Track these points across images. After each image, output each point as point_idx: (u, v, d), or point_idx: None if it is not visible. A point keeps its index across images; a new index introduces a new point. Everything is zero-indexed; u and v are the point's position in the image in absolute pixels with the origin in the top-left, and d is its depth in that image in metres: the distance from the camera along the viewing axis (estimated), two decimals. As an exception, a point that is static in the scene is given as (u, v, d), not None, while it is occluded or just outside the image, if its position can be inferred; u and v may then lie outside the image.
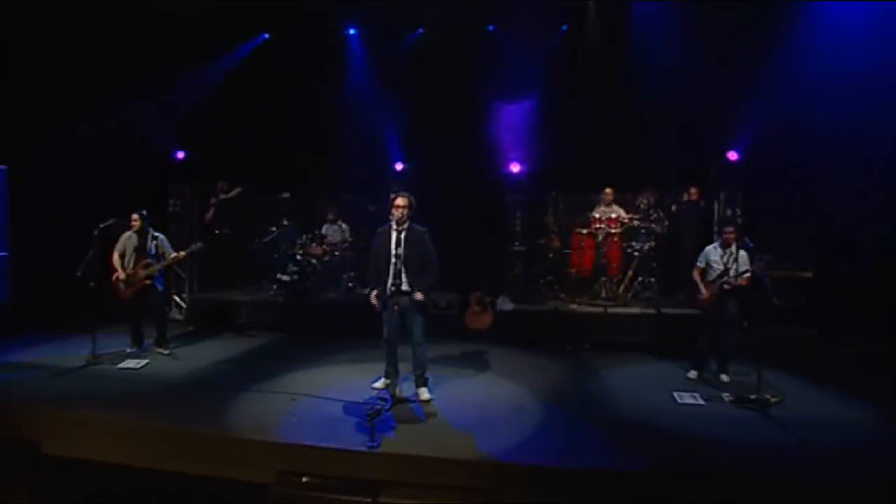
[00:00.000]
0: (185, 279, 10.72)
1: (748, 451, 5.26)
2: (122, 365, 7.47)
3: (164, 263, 7.96)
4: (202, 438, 5.28)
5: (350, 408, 6.03)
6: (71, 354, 7.65)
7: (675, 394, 6.72)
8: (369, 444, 4.97)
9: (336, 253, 10.85)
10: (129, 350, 8.00)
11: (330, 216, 11.14)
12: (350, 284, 10.82)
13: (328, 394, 6.43)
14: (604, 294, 10.04)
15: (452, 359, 7.94)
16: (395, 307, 6.16)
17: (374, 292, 6.43)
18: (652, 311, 9.36)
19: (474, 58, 11.20)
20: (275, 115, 11.10)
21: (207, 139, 10.51)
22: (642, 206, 10.02)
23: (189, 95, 10.30)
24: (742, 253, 7.14)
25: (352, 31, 12.01)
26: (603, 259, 10.06)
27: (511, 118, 11.03)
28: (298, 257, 10.40)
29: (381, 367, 6.71)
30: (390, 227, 6.40)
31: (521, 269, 11.36)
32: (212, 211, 10.86)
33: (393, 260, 6.27)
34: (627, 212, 10.27)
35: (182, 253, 8.06)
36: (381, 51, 11.84)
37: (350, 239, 11.09)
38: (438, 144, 10.92)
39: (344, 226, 11.17)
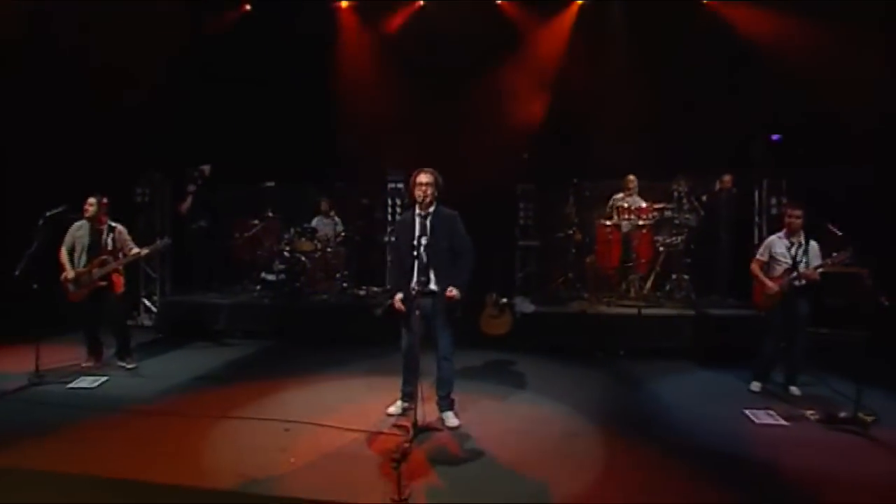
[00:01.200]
0: (156, 280, 9.37)
1: (870, 487, 4.14)
2: (73, 384, 6.12)
3: (121, 262, 6.61)
4: (166, 493, 3.95)
5: (362, 441, 4.80)
6: (8, 373, 6.30)
7: (748, 412, 5.60)
8: (396, 499, 3.72)
9: (329, 248, 9.58)
10: (84, 364, 6.66)
11: (323, 207, 9.86)
12: (344, 284, 9.57)
13: (331, 420, 5.18)
14: (633, 294, 8.92)
15: (472, 372, 6.74)
16: (418, 311, 4.92)
17: (398, 295, 5.21)
18: (690, 312, 8.26)
19: (480, 33, 10.05)
20: (259, 93, 9.76)
21: (182, 119, 9.13)
22: (676, 193, 8.86)
23: (162, 68, 8.92)
24: (813, 243, 6.12)
25: (344, 4, 10.79)
26: (632, 254, 8.92)
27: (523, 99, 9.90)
28: (286, 253, 9.12)
29: (394, 383, 5.49)
30: (413, 212, 5.19)
31: (533, 266, 10.32)
32: (189, 201, 9.44)
33: (416, 252, 5.05)
34: (655, 202, 9.13)
35: (144, 250, 6.71)
36: (376, 25, 10.66)
37: (344, 233, 9.83)
38: (439, 129, 9.74)
39: (337, 219, 9.90)
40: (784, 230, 6.29)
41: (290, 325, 8.48)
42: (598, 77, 9.23)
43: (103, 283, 6.49)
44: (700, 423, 5.32)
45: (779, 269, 6.20)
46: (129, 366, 6.71)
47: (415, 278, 5.06)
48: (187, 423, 5.14)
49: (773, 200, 8.58)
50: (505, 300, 8.38)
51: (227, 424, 5.14)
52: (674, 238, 8.98)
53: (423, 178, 5.12)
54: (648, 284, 8.95)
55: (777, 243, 6.28)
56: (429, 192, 5.08)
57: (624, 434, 5.08)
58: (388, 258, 5.70)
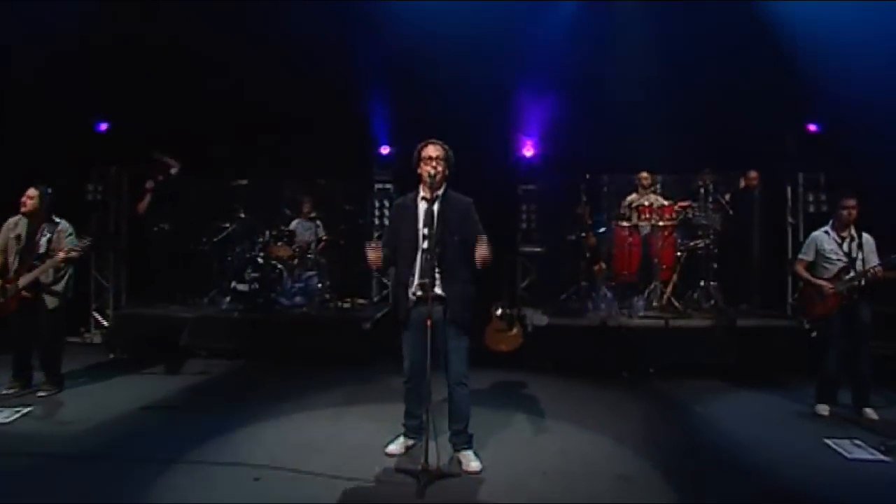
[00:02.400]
0: (109, 290, 8.10)
1: None
2: (-16, 417, 4.87)
3: (46, 266, 5.33)
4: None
5: (356, 495, 3.63)
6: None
7: (830, 442, 4.59)
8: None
9: (309, 255, 8.43)
10: (5, 391, 5.42)
11: (304, 208, 8.72)
12: (326, 295, 8.40)
13: (314, 464, 4.00)
14: (656, 303, 7.89)
15: (482, 396, 5.58)
16: (427, 321, 3.80)
17: (372, 245, 4.19)
18: (723, 323, 7.25)
19: (476, 17, 9.01)
20: (231, 79, 8.56)
21: (142, 106, 7.92)
22: (703, 189, 7.85)
23: (119, 49, 7.72)
24: (867, 237, 5.24)
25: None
26: (655, 259, 7.90)
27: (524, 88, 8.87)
28: (259, 260, 7.94)
29: (393, 414, 4.36)
30: (416, 195, 4.10)
31: (535, 275, 9.29)
32: (147, 199, 8.19)
33: (421, 246, 3.94)
34: (679, 200, 8.14)
35: (61, 254, 5.29)
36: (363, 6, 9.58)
37: (326, 237, 8.69)
38: (432, 123, 8.62)
39: (319, 222, 8.76)
40: (831, 223, 5.37)
41: (263, 342, 7.27)
42: (610, 64, 8.20)
43: (27, 295, 5.26)
44: (780, 459, 4.28)
45: (830, 269, 5.27)
46: (44, 393, 5.47)
47: (415, 280, 3.97)
48: (123, 472, 3.92)
49: (811, 197, 7.63)
50: (514, 311, 7.29)
51: (178, 472, 3.93)
52: (698, 241, 8.01)
53: (432, 150, 4.05)
54: (668, 291, 7.93)
55: (824, 239, 5.35)
56: (439, 168, 3.99)
57: (692, 475, 3.99)
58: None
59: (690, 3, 7.64)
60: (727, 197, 8.24)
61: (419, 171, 4.09)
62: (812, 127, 7.55)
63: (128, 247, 8.00)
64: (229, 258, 8.19)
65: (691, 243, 8.06)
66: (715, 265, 8.05)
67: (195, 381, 6.29)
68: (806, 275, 5.44)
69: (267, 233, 8.21)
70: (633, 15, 8.13)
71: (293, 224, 8.69)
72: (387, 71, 8.76)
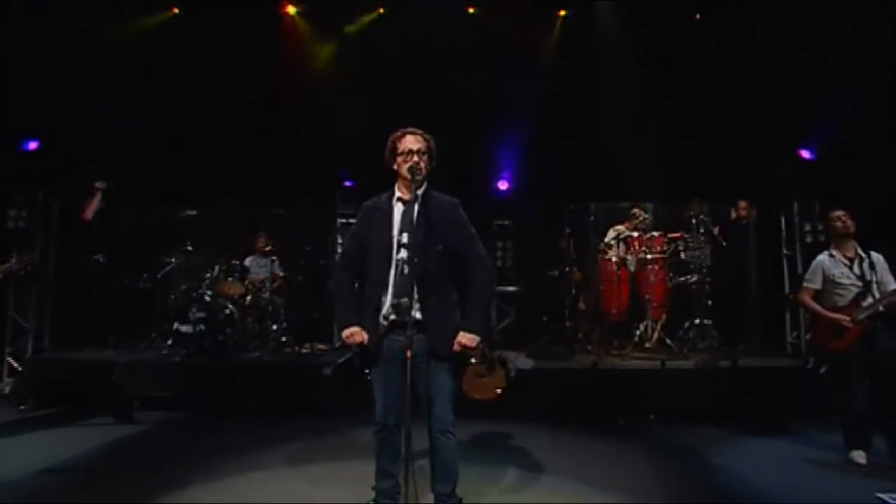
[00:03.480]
0: (29, 331, 7.01)
1: None
2: None
3: None
4: None
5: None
6: None
7: (886, 497, 3.86)
8: None
9: (263, 294, 7.55)
10: None
11: (260, 242, 7.87)
12: (283, 338, 7.49)
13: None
14: (648, 344, 7.20)
15: (468, 450, 4.73)
16: (407, 352, 2.99)
17: (352, 329, 3.29)
18: (724, 363, 6.58)
19: (450, 46, 8.54)
20: (181, 100, 7.79)
21: (78, 125, 7.06)
22: (693, 220, 7.30)
23: (53, 62, 6.90)
24: (876, 255, 4.74)
25: (291, 10, 9.16)
26: (646, 295, 7.25)
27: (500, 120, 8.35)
28: (207, 298, 7.01)
29: (361, 474, 3.49)
30: (390, 195, 3.37)
31: (513, 316, 8.57)
32: (97, 200, 7.06)
33: (395, 257, 3.18)
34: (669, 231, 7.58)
35: None
36: (327, 32, 9.06)
37: (283, 274, 7.84)
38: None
39: (275, 258, 7.89)
40: (832, 245, 4.86)
41: (207, 391, 6.27)
42: (594, 87, 7.75)
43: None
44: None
45: (844, 296, 4.73)
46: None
47: (387, 301, 3.19)
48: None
49: (808, 227, 7.14)
50: (497, 354, 6.49)
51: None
52: (689, 276, 7.42)
53: (412, 142, 3.33)
54: (657, 329, 7.27)
55: (831, 263, 4.81)
56: (421, 163, 3.26)
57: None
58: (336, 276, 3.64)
59: (675, 28, 7.30)
60: (717, 229, 7.74)
61: (395, 167, 3.36)
62: (805, 153, 7.13)
63: (55, 282, 6.94)
64: (172, 296, 7.23)
65: (682, 278, 7.49)
66: (709, 301, 7.43)
67: (121, 435, 5.27)
68: (815, 306, 4.85)
69: (217, 268, 7.33)
70: (619, 37, 7.72)
71: (247, 261, 7.86)
72: (351, 96, 8.18)
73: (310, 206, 8.26)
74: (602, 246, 7.60)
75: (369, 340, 3.28)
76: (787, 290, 7.40)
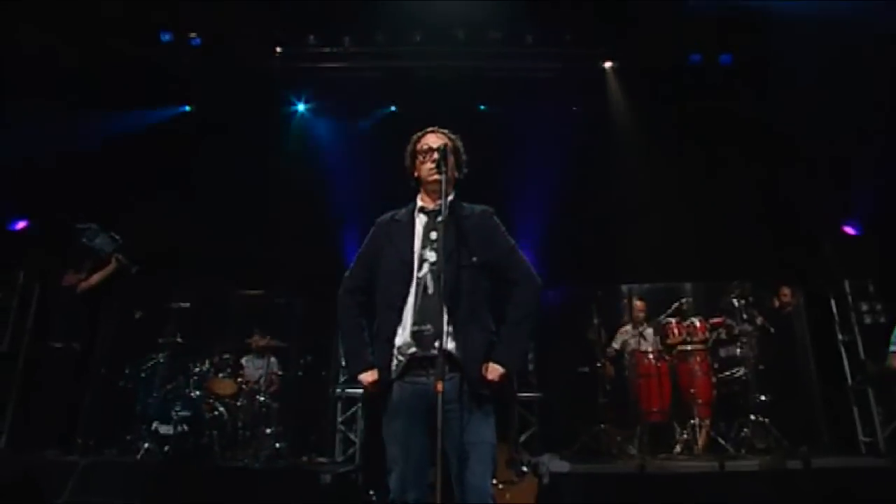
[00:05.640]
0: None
1: None
2: None
3: None
4: None
5: None
6: None
7: None
8: None
9: (258, 396, 6.72)
10: None
11: (255, 337, 7.14)
12: (276, 445, 6.55)
13: None
14: (697, 446, 6.25)
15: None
16: (438, 385, 2.27)
17: (372, 372, 2.59)
18: (796, 463, 5.60)
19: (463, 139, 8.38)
20: (176, 182, 7.47)
21: (71, 204, 6.64)
22: (735, 303, 6.61)
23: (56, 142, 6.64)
24: None
25: (301, 107, 9.19)
26: (691, 390, 6.40)
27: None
28: (194, 394, 6.19)
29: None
30: (411, 208, 2.79)
31: (536, 427, 7.61)
32: (108, 271, 6.38)
33: (417, 276, 2.54)
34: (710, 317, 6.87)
35: None
36: (339, 129, 9.02)
37: (280, 373, 7.07)
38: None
39: (273, 359, 7.15)
40: None
41: (186, 500, 5.26)
42: (621, 160, 7.43)
43: None
44: None
45: None
46: None
47: (408, 328, 2.50)
48: None
49: (864, 307, 6.45)
50: (527, 458, 5.58)
51: None
52: (736, 369, 6.63)
53: (433, 139, 2.81)
54: (706, 428, 6.35)
55: None
56: (441, 167, 2.69)
57: None
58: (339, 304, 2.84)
59: (704, 107, 7.12)
60: (759, 320, 7.03)
61: (416, 174, 2.81)
62: (849, 229, 6.62)
63: (21, 371, 6.14)
64: (155, 395, 6.39)
65: (728, 372, 6.68)
66: (762, 397, 6.54)
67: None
68: None
69: (207, 362, 6.57)
70: (651, 113, 7.52)
71: (243, 359, 7.14)
72: (359, 179, 7.89)
73: (312, 297, 7.64)
74: (611, 352, 6.92)
75: (378, 383, 2.54)
76: (848, 381, 6.55)
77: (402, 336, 2.54)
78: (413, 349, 2.51)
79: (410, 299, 2.55)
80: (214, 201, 7.50)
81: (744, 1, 6.21)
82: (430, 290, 2.52)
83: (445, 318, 2.44)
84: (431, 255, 2.57)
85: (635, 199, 7.13)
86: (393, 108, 9.14)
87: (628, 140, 7.37)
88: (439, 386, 2.27)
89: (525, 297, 2.66)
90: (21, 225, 6.69)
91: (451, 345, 2.47)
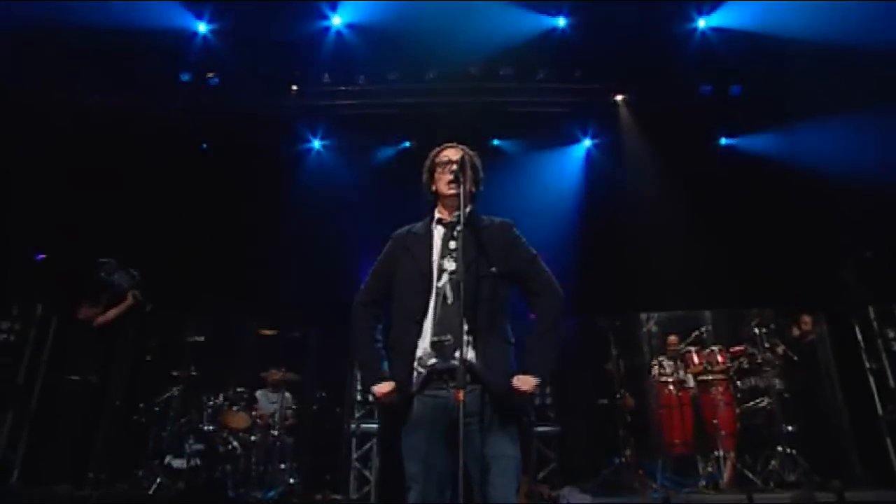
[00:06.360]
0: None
1: None
2: None
3: None
4: None
5: None
6: None
7: None
8: None
9: (273, 430, 6.64)
10: None
11: (273, 374, 7.07)
12: (290, 481, 6.44)
13: None
14: (722, 480, 6.04)
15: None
16: (459, 394, 2.21)
17: (388, 384, 2.56)
18: (828, 497, 5.39)
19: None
20: (194, 215, 7.55)
21: (85, 239, 6.72)
22: (756, 331, 6.48)
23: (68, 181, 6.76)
24: None
25: (316, 144, 9.33)
26: (714, 421, 6.24)
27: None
28: (207, 428, 6.13)
29: None
30: (429, 220, 2.78)
31: (555, 463, 7.40)
32: (123, 307, 6.27)
33: (436, 286, 2.53)
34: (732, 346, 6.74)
35: None
36: (354, 165, 9.13)
37: (294, 407, 6.99)
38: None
39: (288, 394, 7.10)
40: None
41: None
42: (631, 194, 7.42)
43: None
44: None
45: None
46: None
47: (427, 340, 2.46)
48: None
49: (892, 333, 6.29)
50: (547, 490, 5.43)
51: None
52: (760, 399, 6.47)
53: (452, 153, 2.82)
54: (732, 460, 6.15)
55: None
56: (459, 178, 2.70)
57: None
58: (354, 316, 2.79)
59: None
60: (780, 349, 6.87)
61: (434, 187, 2.82)
62: (869, 253, 6.52)
63: (36, 404, 6.10)
64: (168, 428, 6.33)
65: (752, 402, 6.51)
66: (789, 427, 6.34)
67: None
68: None
69: (221, 396, 6.52)
70: (665, 143, 7.53)
71: (257, 393, 7.07)
72: (374, 214, 7.93)
73: (326, 331, 7.61)
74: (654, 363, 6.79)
75: (396, 396, 2.49)
76: (878, 411, 6.34)
77: (422, 347, 2.50)
78: (433, 360, 2.47)
79: (430, 310, 2.53)
80: (230, 236, 7.54)
81: (754, 31, 6.27)
82: (450, 301, 2.50)
83: (465, 327, 2.40)
84: (450, 265, 2.56)
85: (651, 229, 7.07)
86: (407, 144, 9.27)
87: (642, 170, 7.36)
88: (460, 395, 2.22)
89: (549, 307, 2.65)
90: (40, 257, 6.76)
91: (470, 354, 2.43)
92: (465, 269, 2.49)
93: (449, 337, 2.43)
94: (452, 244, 2.62)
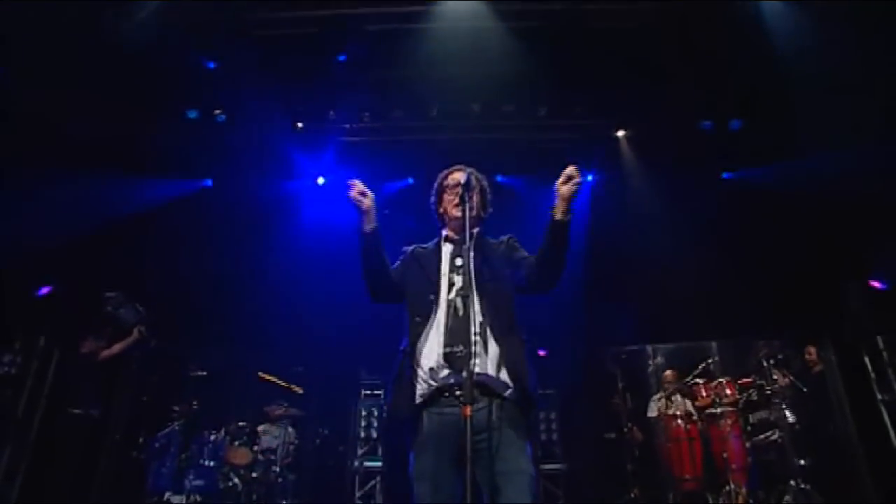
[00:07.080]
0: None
1: None
2: None
3: None
4: None
5: None
6: None
7: None
8: None
9: (274, 466, 6.53)
10: None
11: (276, 410, 6.99)
12: (294, 515, 6.31)
13: None
14: (737, 515, 5.89)
15: None
16: (467, 409, 2.19)
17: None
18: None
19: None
20: (197, 253, 7.57)
21: (94, 272, 6.73)
22: (764, 363, 6.39)
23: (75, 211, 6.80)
24: None
25: (321, 180, 9.42)
26: (724, 454, 6.11)
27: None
28: (208, 464, 6.02)
29: None
30: (438, 239, 2.81)
31: (563, 500, 7.23)
32: (125, 346, 6.21)
33: (446, 298, 2.54)
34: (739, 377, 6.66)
35: None
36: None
37: (296, 442, 6.88)
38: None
39: (290, 429, 7.01)
40: None
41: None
42: (635, 227, 7.45)
43: None
44: None
45: None
46: None
47: (437, 354, 2.45)
48: None
49: (903, 368, 6.22)
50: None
51: None
52: (770, 433, 6.35)
53: (459, 175, 2.87)
54: (743, 495, 6.00)
55: None
56: (467, 195, 2.72)
57: None
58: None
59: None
60: (788, 380, 6.78)
61: (442, 209, 2.85)
62: (876, 283, 6.49)
63: (35, 441, 5.98)
64: (168, 464, 6.21)
65: (762, 435, 6.39)
66: (801, 461, 6.21)
67: None
68: None
69: (223, 430, 6.43)
70: (667, 178, 7.59)
71: (260, 427, 6.96)
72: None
73: (329, 366, 7.53)
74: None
75: (407, 412, 2.46)
76: (893, 443, 6.21)
77: (434, 358, 2.50)
78: (445, 372, 2.46)
79: (441, 321, 2.53)
80: (233, 271, 7.55)
81: (752, 66, 6.37)
82: (461, 312, 2.49)
83: (476, 338, 2.40)
84: (459, 280, 2.57)
85: (656, 262, 7.07)
86: (411, 181, 9.37)
87: (645, 203, 7.40)
88: (467, 410, 2.19)
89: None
90: (45, 290, 6.75)
91: (483, 364, 2.42)
92: (472, 282, 2.50)
93: (461, 348, 2.42)
94: (459, 261, 2.64)
